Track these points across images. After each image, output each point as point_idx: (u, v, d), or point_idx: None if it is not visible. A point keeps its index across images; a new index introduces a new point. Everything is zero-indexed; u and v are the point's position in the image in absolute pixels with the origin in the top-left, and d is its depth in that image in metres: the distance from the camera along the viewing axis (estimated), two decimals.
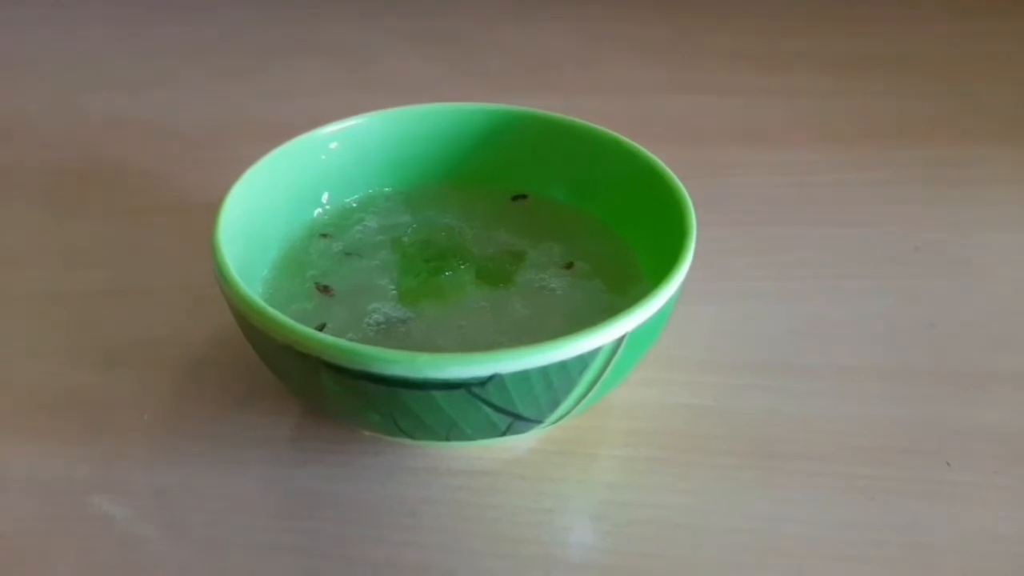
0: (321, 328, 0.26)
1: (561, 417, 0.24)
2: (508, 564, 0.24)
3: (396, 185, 0.32)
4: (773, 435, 0.27)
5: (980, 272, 0.35)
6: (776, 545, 0.24)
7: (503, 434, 0.23)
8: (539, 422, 0.23)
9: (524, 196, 0.32)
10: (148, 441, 0.27)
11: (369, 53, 0.54)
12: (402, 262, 0.29)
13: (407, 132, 0.31)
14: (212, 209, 0.37)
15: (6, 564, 0.24)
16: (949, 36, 0.56)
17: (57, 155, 0.43)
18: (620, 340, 0.22)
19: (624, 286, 0.28)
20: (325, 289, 0.28)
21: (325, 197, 0.31)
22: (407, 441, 0.26)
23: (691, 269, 0.25)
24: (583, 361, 0.22)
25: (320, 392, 0.23)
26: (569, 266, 0.29)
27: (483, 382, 0.21)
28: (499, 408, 0.22)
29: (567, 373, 0.22)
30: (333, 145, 0.30)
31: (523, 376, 0.21)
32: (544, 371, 0.21)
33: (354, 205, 0.31)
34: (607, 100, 0.48)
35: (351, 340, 0.25)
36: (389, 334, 0.26)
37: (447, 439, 0.23)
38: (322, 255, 0.29)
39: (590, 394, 0.23)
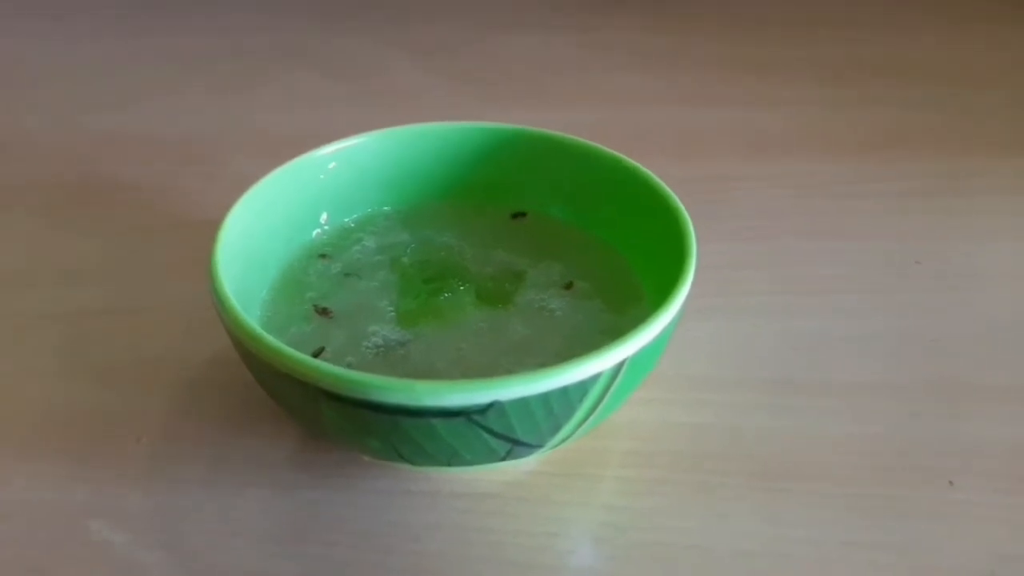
0: (320, 352, 0.26)
1: (562, 441, 0.24)
2: None
3: (395, 204, 0.32)
4: (775, 454, 0.27)
5: (982, 285, 0.35)
6: (779, 565, 0.24)
7: (503, 459, 0.23)
8: (539, 447, 0.23)
9: (523, 214, 0.32)
10: (146, 463, 0.27)
11: (367, 65, 0.54)
12: (401, 283, 0.29)
13: (405, 151, 0.31)
14: (210, 226, 0.36)
15: None
16: (949, 45, 0.55)
17: (53, 171, 0.43)
18: (620, 365, 0.22)
19: (624, 305, 0.28)
20: (324, 311, 0.28)
21: (324, 217, 0.31)
22: (408, 467, 0.25)
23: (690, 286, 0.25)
24: (583, 387, 0.22)
25: (319, 419, 0.23)
26: (569, 286, 0.29)
27: (483, 409, 0.21)
28: (499, 434, 0.22)
29: (567, 399, 0.22)
30: (332, 165, 0.30)
31: (523, 403, 0.21)
32: (544, 397, 0.21)
33: (352, 225, 0.31)
34: (605, 111, 0.48)
35: (350, 364, 0.25)
36: (388, 357, 0.26)
37: (448, 465, 0.23)
38: (321, 276, 0.29)
39: (591, 418, 0.23)
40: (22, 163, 0.43)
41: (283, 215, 0.29)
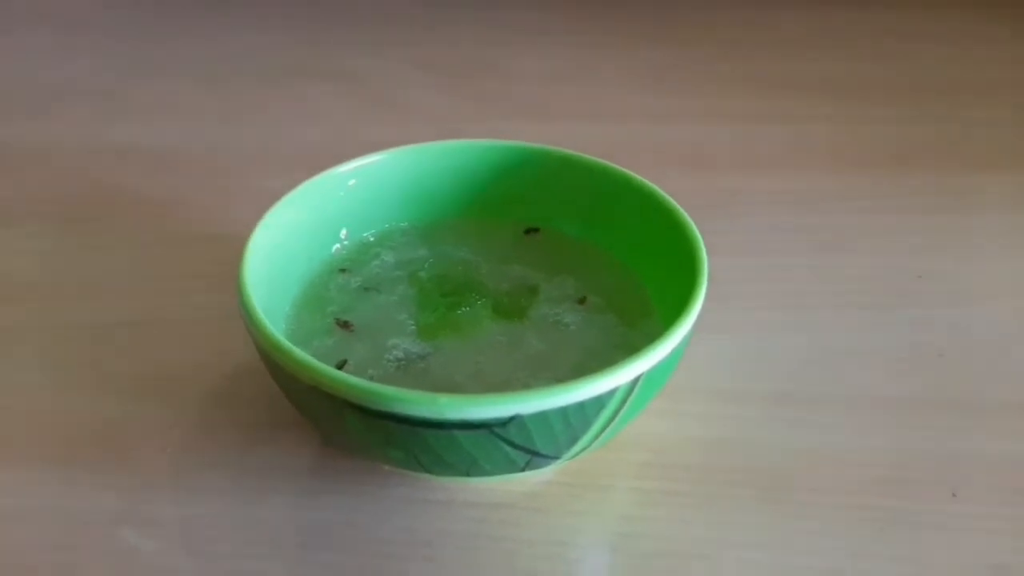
0: (342, 364, 0.27)
1: (578, 453, 0.24)
2: None
3: (412, 219, 0.33)
4: (784, 466, 0.28)
5: (984, 300, 0.35)
6: (787, 575, 0.25)
7: (522, 470, 0.24)
8: (556, 458, 0.24)
9: (536, 230, 0.33)
10: (172, 472, 0.28)
11: (380, 81, 0.55)
12: (419, 297, 0.30)
13: (423, 168, 0.32)
14: (229, 239, 0.37)
15: None
16: (951, 63, 0.56)
17: (74, 184, 0.43)
18: (636, 380, 0.23)
19: (636, 319, 0.29)
20: (345, 325, 0.28)
21: (343, 233, 0.32)
22: (427, 476, 0.26)
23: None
24: (600, 401, 0.22)
25: (344, 429, 0.24)
26: (582, 300, 0.30)
27: (504, 422, 0.22)
28: (519, 446, 0.23)
29: (585, 412, 0.22)
30: (351, 182, 0.31)
31: (542, 416, 0.22)
32: (563, 411, 0.22)
33: (371, 239, 0.32)
34: (613, 127, 0.49)
35: (372, 377, 0.26)
36: (409, 370, 0.27)
37: (467, 475, 0.24)
38: (341, 291, 0.30)
39: (606, 431, 0.24)
40: (44, 177, 0.44)
41: (305, 231, 0.30)
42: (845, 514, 0.27)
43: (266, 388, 0.29)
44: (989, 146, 0.47)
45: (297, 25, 0.63)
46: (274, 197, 0.30)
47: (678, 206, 0.29)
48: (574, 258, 0.32)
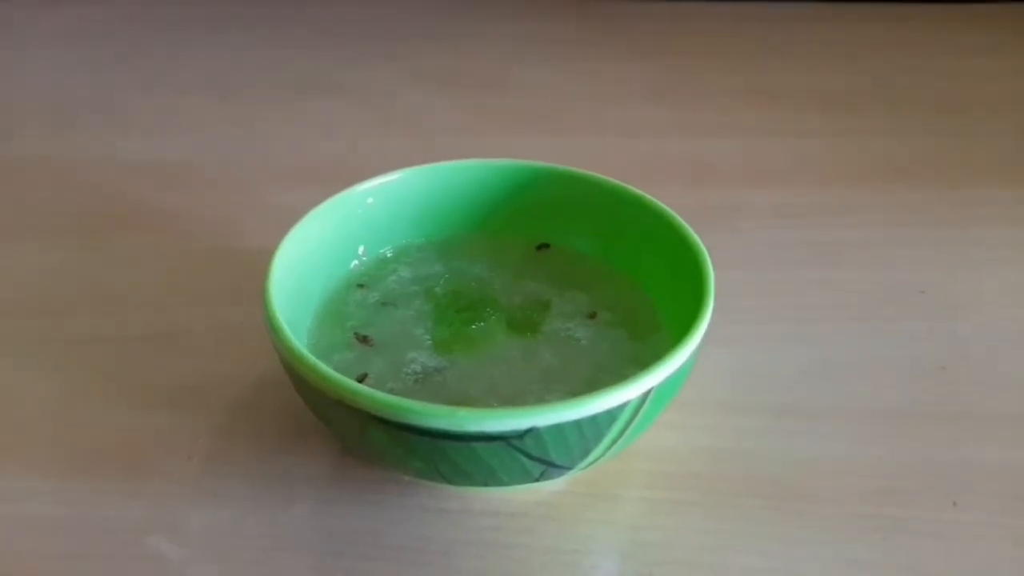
0: (363, 378, 0.28)
1: (591, 464, 0.25)
2: None
3: (428, 236, 0.34)
4: (788, 476, 0.29)
5: (985, 313, 0.36)
6: None
7: (536, 480, 0.25)
8: (570, 468, 0.25)
9: (547, 246, 0.34)
10: (196, 481, 0.29)
11: (390, 95, 0.56)
12: (435, 312, 0.30)
13: (439, 186, 0.33)
14: (246, 253, 0.38)
15: None
16: (951, 76, 0.57)
17: (93, 200, 0.44)
18: (647, 393, 0.24)
19: (645, 334, 0.30)
20: (364, 339, 0.29)
21: (361, 249, 0.33)
22: (446, 486, 0.27)
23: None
24: (612, 414, 0.23)
25: (366, 441, 0.24)
26: (593, 315, 0.31)
27: (521, 435, 0.23)
28: (534, 457, 0.24)
29: (597, 425, 0.23)
30: (370, 200, 0.32)
31: (558, 429, 0.23)
32: (577, 424, 0.23)
33: (389, 255, 0.33)
34: (617, 140, 0.49)
35: (391, 390, 0.27)
36: (426, 383, 0.28)
37: (484, 485, 0.25)
38: (359, 305, 0.31)
39: (618, 442, 0.25)
40: (64, 191, 0.45)
41: (325, 248, 0.31)
42: (848, 523, 0.27)
43: (287, 399, 0.30)
44: (990, 159, 0.47)
45: (310, 40, 0.64)
46: (290, 212, 0.30)
47: (685, 224, 0.30)
48: (584, 274, 0.33)
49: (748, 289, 0.37)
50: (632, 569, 0.26)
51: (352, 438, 0.26)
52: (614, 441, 0.24)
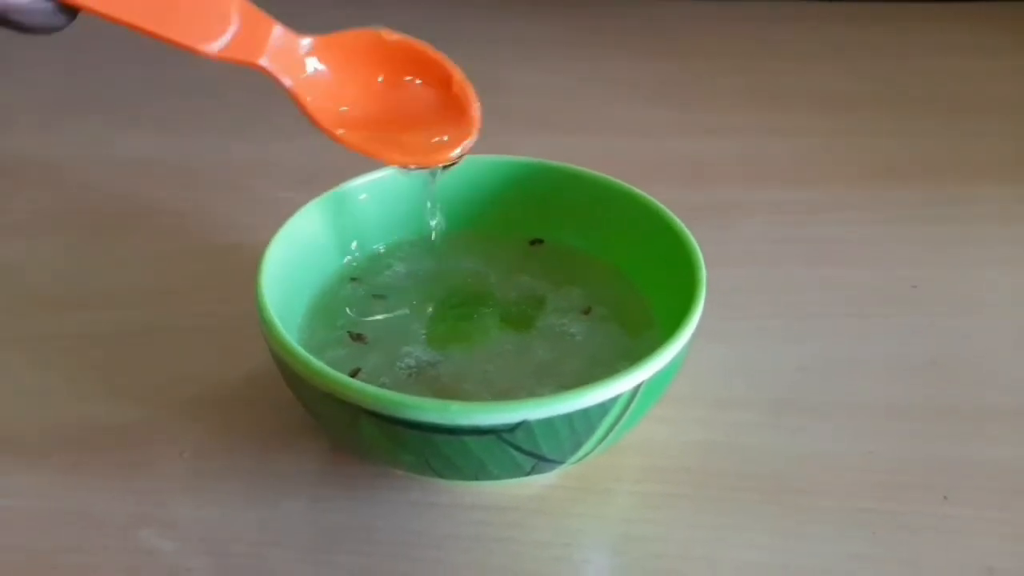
0: (355, 373, 0.28)
1: (582, 458, 0.25)
2: None
3: (422, 232, 0.34)
4: (781, 471, 0.29)
5: (977, 310, 0.36)
6: None
7: (528, 474, 0.25)
8: (561, 463, 0.25)
9: (541, 241, 0.34)
10: (189, 476, 0.29)
11: None
12: (429, 307, 0.31)
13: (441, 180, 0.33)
14: (239, 249, 0.38)
15: None
16: (946, 75, 0.57)
17: (91, 198, 0.44)
18: (637, 388, 0.24)
19: (639, 329, 0.30)
20: (358, 337, 0.29)
21: (355, 245, 0.33)
22: (437, 480, 0.27)
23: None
24: (603, 408, 0.23)
25: (358, 435, 0.25)
26: (587, 311, 0.31)
27: (512, 428, 0.23)
28: (525, 451, 0.24)
29: (588, 419, 0.24)
30: (363, 196, 0.32)
31: (548, 422, 0.23)
32: (568, 417, 0.23)
33: (382, 251, 0.33)
34: (613, 139, 0.49)
35: (384, 384, 0.27)
36: (420, 378, 0.28)
37: (475, 479, 0.25)
38: (353, 301, 0.31)
39: (609, 436, 0.25)
40: (61, 189, 0.45)
41: (318, 243, 0.31)
42: (840, 517, 0.28)
43: (280, 395, 0.30)
44: (985, 159, 0.47)
45: None
46: (285, 208, 0.31)
47: (677, 219, 0.30)
48: (579, 269, 0.33)
49: (744, 285, 0.37)
50: (624, 562, 0.26)
51: (343, 432, 0.26)
52: (605, 435, 0.25)
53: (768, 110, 0.53)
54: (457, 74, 0.27)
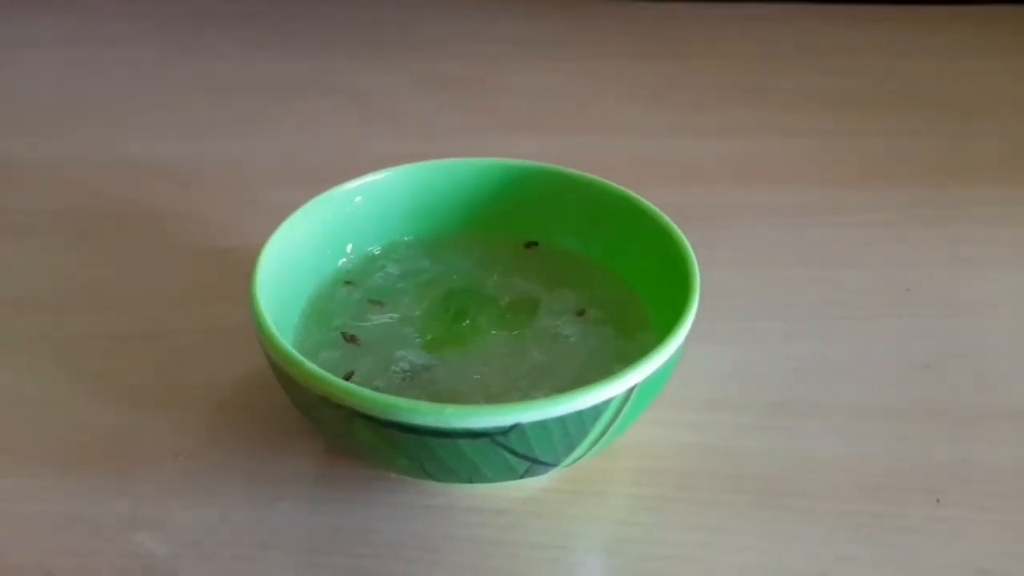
0: (349, 376, 0.28)
1: (576, 460, 0.25)
2: None
3: (416, 233, 0.34)
4: (775, 473, 0.29)
5: (970, 312, 0.37)
6: None
7: (521, 477, 0.25)
8: (555, 465, 0.25)
9: (536, 243, 0.34)
10: (184, 479, 0.29)
11: (381, 96, 0.56)
12: (424, 310, 0.31)
13: (426, 184, 0.33)
14: (238, 252, 0.38)
15: None
16: (941, 75, 0.57)
17: (85, 199, 0.44)
18: (631, 391, 0.24)
19: (633, 332, 0.30)
20: (352, 339, 0.29)
21: (349, 247, 0.33)
22: (432, 483, 0.27)
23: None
24: (596, 410, 0.23)
25: (352, 438, 0.25)
26: (581, 313, 0.31)
27: (505, 431, 0.23)
28: (519, 454, 0.24)
29: (582, 422, 0.24)
30: (358, 199, 0.32)
31: (542, 425, 0.23)
32: (561, 420, 0.23)
33: (377, 252, 0.33)
34: (607, 140, 0.50)
35: (378, 388, 0.27)
36: (414, 381, 0.28)
37: (470, 481, 0.25)
38: (347, 304, 0.31)
39: (603, 439, 0.25)
40: (56, 190, 0.45)
41: (312, 246, 0.31)
42: (833, 519, 0.28)
43: (274, 398, 0.30)
44: (981, 160, 0.48)
45: (300, 42, 0.64)
46: (281, 210, 0.31)
47: (671, 222, 0.30)
48: (573, 271, 0.33)
49: (739, 287, 0.37)
50: (618, 564, 0.27)
51: (338, 436, 0.26)
52: (598, 438, 0.25)
53: (763, 111, 0.53)
54: None
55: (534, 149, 0.35)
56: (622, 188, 0.32)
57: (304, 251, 0.30)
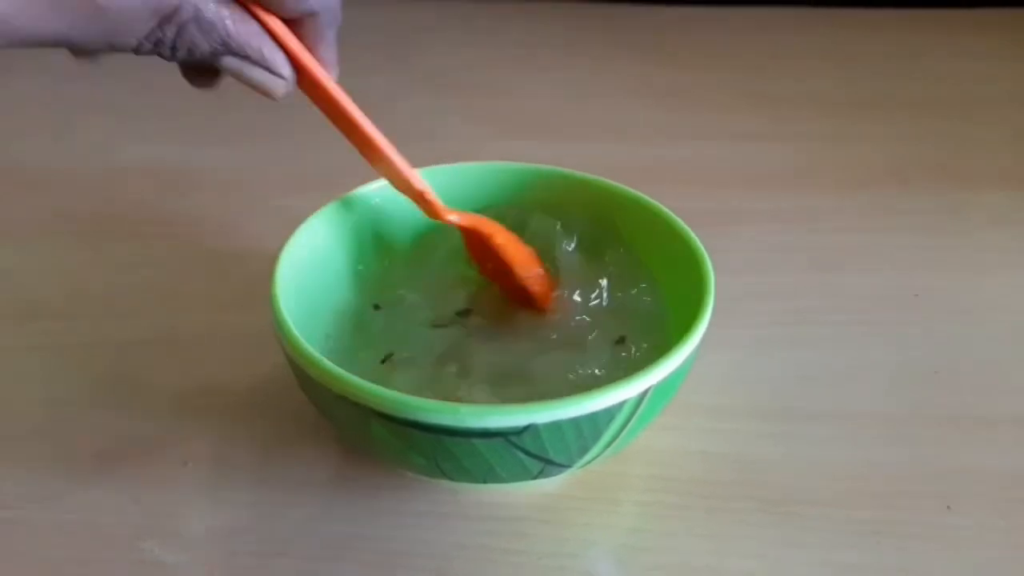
0: (388, 357, 0.28)
1: (589, 462, 0.26)
2: None
3: (435, 237, 0.33)
4: (785, 480, 0.29)
5: (979, 318, 0.36)
6: None
7: (535, 477, 0.25)
8: (568, 466, 0.25)
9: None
10: (194, 486, 0.29)
11: (390, 100, 0.56)
12: (444, 311, 0.31)
13: (445, 186, 0.32)
14: (249, 257, 0.38)
15: None
16: (948, 81, 0.57)
17: (98, 205, 0.44)
18: (644, 393, 0.24)
19: None
20: (388, 358, 0.29)
21: (368, 250, 0.33)
22: (447, 482, 0.27)
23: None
24: (610, 412, 0.24)
25: (369, 437, 0.25)
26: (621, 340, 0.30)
27: (519, 431, 0.23)
28: (533, 454, 0.24)
29: (596, 423, 0.24)
30: (376, 201, 0.32)
31: (556, 426, 0.23)
32: (575, 422, 0.23)
33: (395, 254, 0.33)
34: (616, 145, 0.50)
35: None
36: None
37: (484, 481, 0.25)
38: (372, 310, 0.31)
39: (616, 441, 0.25)
40: (68, 196, 0.45)
41: (331, 248, 0.31)
42: (843, 526, 0.28)
43: (286, 403, 0.31)
44: (986, 163, 0.48)
45: None
46: (291, 215, 0.31)
47: (688, 229, 0.30)
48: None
49: (746, 293, 0.37)
50: (629, 572, 0.27)
51: (355, 435, 0.26)
52: (612, 440, 0.25)
53: (769, 116, 0.53)
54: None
55: (543, 153, 0.35)
56: (637, 192, 0.32)
57: (323, 253, 0.31)
